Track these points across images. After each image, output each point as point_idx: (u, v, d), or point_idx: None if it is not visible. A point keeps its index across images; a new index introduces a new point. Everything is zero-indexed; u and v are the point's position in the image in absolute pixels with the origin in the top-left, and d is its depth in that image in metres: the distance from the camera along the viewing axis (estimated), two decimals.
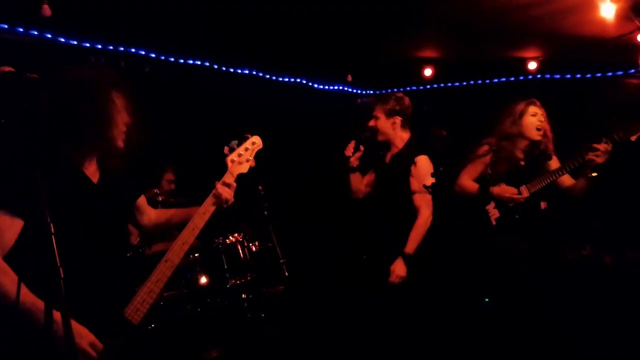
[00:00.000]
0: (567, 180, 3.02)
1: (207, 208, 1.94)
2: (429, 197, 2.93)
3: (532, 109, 3.05)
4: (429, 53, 4.67)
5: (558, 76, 4.88)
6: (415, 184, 2.95)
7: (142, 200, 2.12)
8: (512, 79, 5.02)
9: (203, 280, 3.40)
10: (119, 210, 1.93)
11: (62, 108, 1.71)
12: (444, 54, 4.64)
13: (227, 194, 1.96)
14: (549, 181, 2.97)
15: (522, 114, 3.04)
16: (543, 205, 3.00)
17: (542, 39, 4.15)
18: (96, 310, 1.69)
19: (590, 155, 2.77)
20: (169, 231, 2.25)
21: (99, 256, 1.79)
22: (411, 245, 2.94)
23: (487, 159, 3.12)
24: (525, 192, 3.00)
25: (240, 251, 3.56)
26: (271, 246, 3.75)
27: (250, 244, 3.66)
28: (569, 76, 4.86)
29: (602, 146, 2.76)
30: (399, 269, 2.95)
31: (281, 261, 3.66)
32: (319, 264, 4.67)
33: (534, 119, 3.03)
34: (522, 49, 4.43)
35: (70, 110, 1.71)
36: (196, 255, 3.43)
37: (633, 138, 2.74)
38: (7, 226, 1.48)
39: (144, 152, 1.90)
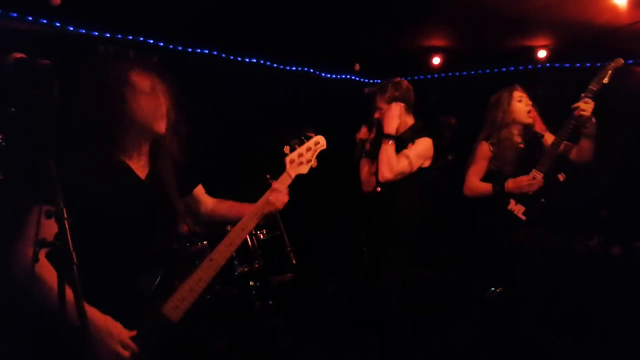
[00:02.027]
0: (573, 149, 3.05)
1: (260, 209, 1.87)
2: (404, 163, 2.87)
3: (517, 95, 3.13)
4: (438, 42, 4.63)
5: (568, 65, 4.82)
6: (404, 151, 2.91)
7: (199, 190, 2.09)
8: (521, 67, 4.96)
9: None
10: (167, 206, 1.86)
11: (90, 104, 1.71)
12: (452, 42, 4.60)
13: (283, 195, 1.89)
14: (554, 154, 3.00)
15: (509, 100, 3.11)
16: (561, 177, 3.02)
17: (553, 27, 4.09)
18: (134, 305, 1.68)
19: (578, 112, 2.85)
20: (223, 224, 2.22)
21: (142, 251, 1.76)
22: (387, 146, 2.90)
23: (489, 153, 3.13)
24: (538, 175, 3.01)
25: (248, 239, 3.56)
26: (279, 234, 3.75)
27: (258, 232, 3.66)
28: (579, 65, 4.80)
29: (581, 102, 2.85)
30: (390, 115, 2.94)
31: (289, 249, 3.67)
32: (327, 253, 4.69)
33: (521, 104, 3.11)
34: (531, 37, 4.37)
35: (96, 105, 1.70)
36: (205, 242, 3.44)
37: (605, 81, 2.87)
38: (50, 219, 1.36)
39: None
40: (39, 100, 1.31)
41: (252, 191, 1.97)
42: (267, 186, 1.98)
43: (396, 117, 2.96)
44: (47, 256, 1.55)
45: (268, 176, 2.29)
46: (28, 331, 1.63)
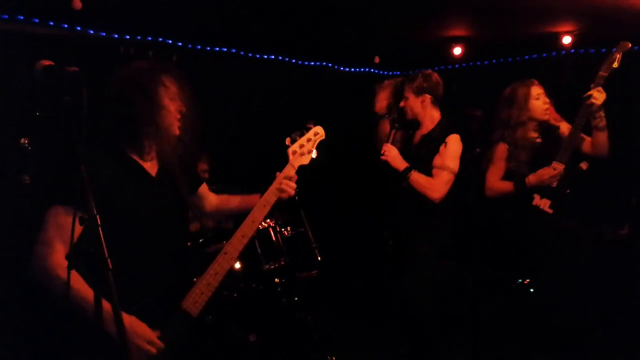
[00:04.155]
0: (587, 141, 2.97)
1: (268, 201, 1.91)
2: (446, 175, 2.86)
3: (535, 91, 3.01)
4: (458, 31, 4.56)
5: (593, 51, 4.70)
6: (437, 160, 2.90)
7: (203, 188, 2.13)
8: (545, 55, 4.86)
9: (237, 265, 3.43)
10: (177, 202, 1.91)
11: (114, 103, 1.72)
12: (473, 31, 4.52)
13: (288, 186, 1.93)
14: (572, 143, 2.92)
15: (526, 98, 3.00)
16: (584, 166, 2.95)
17: (577, 12, 3.99)
18: (154, 302, 1.71)
19: (590, 100, 2.77)
20: (229, 218, 2.27)
21: (158, 249, 1.79)
22: (413, 176, 2.91)
23: (506, 154, 3.05)
24: (559, 166, 2.94)
25: (273, 236, 3.58)
26: (303, 231, 3.76)
27: (283, 229, 3.68)
28: (604, 50, 4.68)
29: (594, 91, 2.77)
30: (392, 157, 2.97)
31: (314, 245, 3.67)
32: (352, 248, 4.68)
33: (539, 101, 3.00)
34: (555, 23, 4.27)
35: (122, 103, 1.72)
36: (223, 242, 3.47)
37: (615, 65, 2.81)
38: (69, 222, 1.37)
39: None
40: (69, 106, 1.31)
41: (267, 186, 2.00)
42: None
43: (397, 156, 2.99)
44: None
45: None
46: (58, 334, 1.66)
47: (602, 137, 2.88)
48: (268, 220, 3.58)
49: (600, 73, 2.83)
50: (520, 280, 3.67)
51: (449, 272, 3.42)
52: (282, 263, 3.52)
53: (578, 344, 3.16)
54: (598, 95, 2.77)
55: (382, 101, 3.32)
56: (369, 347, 3.80)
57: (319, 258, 3.65)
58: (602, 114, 2.83)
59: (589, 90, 2.80)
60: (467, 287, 3.48)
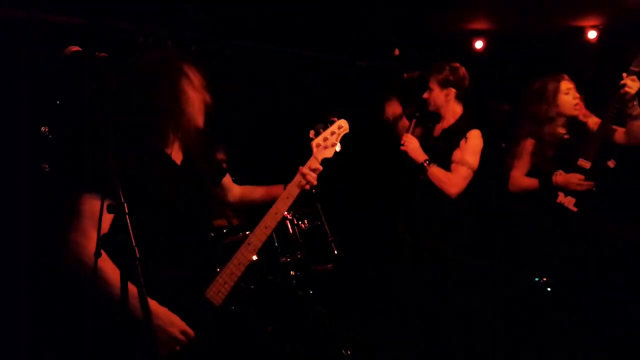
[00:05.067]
0: (619, 132, 2.90)
1: (291, 193, 1.94)
2: (465, 170, 2.82)
3: (565, 86, 2.94)
4: (480, 24, 4.50)
5: (618, 46, 4.61)
6: (457, 155, 2.86)
7: (227, 178, 2.15)
8: (570, 49, 4.76)
9: (254, 257, 3.43)
10: (202, 191, 1.92)
11: (139, 91, 1.72)
12: (496, 25, 4.47)
13: (312, 178, 1.95)
14: (600, 140, 2.86)
15: (555, 93, 2.93)
16: (611, 164, 2.89)
17: (603, 6, 3.92)
18: (178, 291, 1.72)
19: (624, 90, 2.71)
20: (252, 208, 2.28)
21: (182, 237, 1.80)
22: (432, 169, 2.86)
23: (532, 149, 3.01)
24: (586, 164, 2.88)
25: (290, 229, 3.57)
26: (320, 224, 3.74)
27: (300, 222, 3.67)
28: (629, 46, 4.59)
29: (628, 79, 2.71)
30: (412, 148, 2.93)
31: (330, 239, 3.66)
32: (368, 243, 4.66)
33: (568, 96, 2.93)
34: (581, 17, 4.21)
35: (147, 92, 1.71)
36: (247, 232, 3.45)
37: None
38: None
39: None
40: (96, 93, 1.30)
41: (288, 179, 2.01)
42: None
43: (417, 147, 2.96)
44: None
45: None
46: (87, 323, 1.67)
47: (638, 124, 2.81)
48: (285, 212, 3.56)
49: (632, 67, 2.76)
50: (537, 279, 3.63)
51: (467, 268, 3.39)
52: (299, 256, 3.51)
53: (595, 344, 3.12)
54: (632, 84, 2.71)
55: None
56: (384, 341, 3.79)
57: (335, 252, 3.64)
58: (635, 102, 2.77)
59: (622, 80, 2.74)
60: (485, 284, 3.45)
